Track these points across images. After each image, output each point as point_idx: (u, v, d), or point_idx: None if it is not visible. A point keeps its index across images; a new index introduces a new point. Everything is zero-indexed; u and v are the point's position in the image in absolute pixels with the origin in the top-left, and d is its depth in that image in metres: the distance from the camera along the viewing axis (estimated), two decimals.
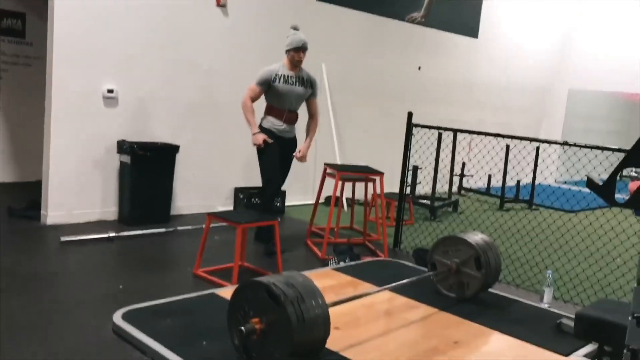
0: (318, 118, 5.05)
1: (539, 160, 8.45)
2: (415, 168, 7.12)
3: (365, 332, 3.21)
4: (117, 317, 3.12)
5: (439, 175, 7.43)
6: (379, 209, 5.39)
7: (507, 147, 8.13)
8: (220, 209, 6.10)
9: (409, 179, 6.04)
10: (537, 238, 5.42)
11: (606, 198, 1.77)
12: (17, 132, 6.69)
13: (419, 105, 7.13)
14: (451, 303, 3.77)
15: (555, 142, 4.95)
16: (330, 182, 5.22)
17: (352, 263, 4.62)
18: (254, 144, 4.75)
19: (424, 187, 7.57)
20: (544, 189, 7.14)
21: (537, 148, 8.41)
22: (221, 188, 6.34)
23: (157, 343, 2.82)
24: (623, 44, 10.26)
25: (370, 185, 5.32)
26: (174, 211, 5.80)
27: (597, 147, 4.23)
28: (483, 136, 5.08)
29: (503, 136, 4.90)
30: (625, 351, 1.71)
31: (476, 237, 3.88)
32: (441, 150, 7.23)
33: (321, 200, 5.53)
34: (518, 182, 8.36)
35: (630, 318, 1.71)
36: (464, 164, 8.62)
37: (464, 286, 3.84)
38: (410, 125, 5.37)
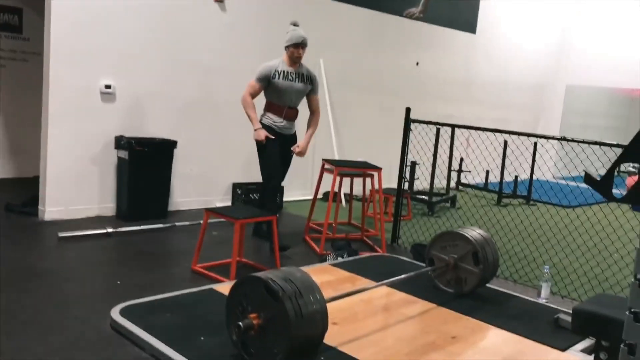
0: (319, 114, 5.03)
1: (537, 156, 8.46)
2: (413, 164, 7.13)
3: (363, 327, 3.22)
4: (115, 313, 3.12)
5: (437, 171, 7.44)
6: (377, 204, 5.39)
7: (505, 142, 8.13)
8: (218, 204, 6.10)
9: (407, 175, 6.04)
10: (534, 233, 5.43)
11: (604, 193, 1.77)
12: (14, 127, 6.67)
13: (417, 100, 7.13)
14: (449, 298, 3.78)
15: (553, 138, 4.95)
16: (328, 178, 5.22)
17: (350, 258, 4.63)
18: (256, 140, 4.73)
19: (422, 183, 7.58)
20: (542, 185, 7.15)
21: (535, 144, 8.41)
22: (219, 184, 6.34)
23: (155, 338, 2.83)
24: (620, 40, 10.27)
25: (368, 180, 5.32)
26: (172, 207, 5.80)
27: (595, 143, 4.24)
28: (481, 132, 5.07)
29: (501, 132, 4.90)
30: (622, 346, 1.72)
31: (474, 233, 3.89)
32: (439, 145, 7.23)
33: (319, 195, 5.53)
34: (516, 177, 8.36)
35: (627, 313, 1.71)
36: (461, 159, 8.63)
37: (461, 281, 3.86)
38: (408, 121, 5.37)
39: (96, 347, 2.86)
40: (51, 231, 4.77)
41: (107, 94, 5.35)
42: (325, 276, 4.04)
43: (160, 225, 5.22)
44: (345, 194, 6.72)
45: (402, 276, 3.65)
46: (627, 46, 10.07)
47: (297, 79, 4.76)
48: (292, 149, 4.85)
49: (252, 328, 2.54)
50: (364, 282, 3.93)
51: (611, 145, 4.08)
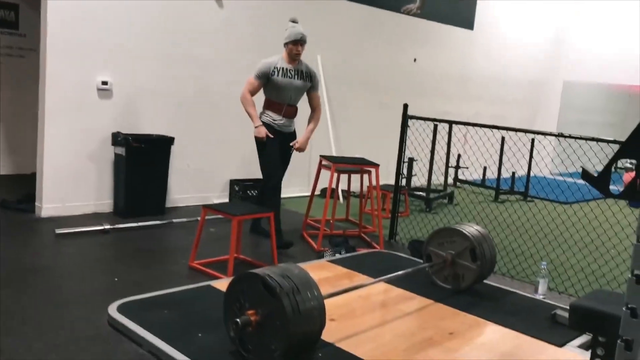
0: (320, 111, 5.01)
1: (534, 152, 8.46)
2: (411, 160, 7.13)
3: (360, 324, 3.22)
4: (113, 310, 3.11)
5: (435, 167, 7.44)
6: (375, 200, 5.39)
7: (503, 139, 8.14)
8: (216, 201, 6.09)
9: (405, 171, 6.04)
10: (532, 229, 5.44)
11: (601, 189, 1.77)
12: (11, 124, 6.66)
13: (414, 97, 7.12)
14: (446, 294, 3.78)
15: (550, 134, 4.95)
16: (325, 174, 5.22)
17: (348, 255, 4.63)
18: (256, 137, 4.71)
19: (419, 179, 7.58)
20: (539, 181, 7.16)
21: (532, 140, 8.41)
22: (216, 180, 6.33)
23: (153, 335, 2.82)
24: (618, 36, 10.27)
25: (365, 177, 5.32)
26: (169, 203, 5.79)
27: (592, 139, 4.24)
28: (478, 128, 5.08)
29: (498, 128, 4.90)
30: (619, 342, 1.72)
31: (471, 229, 3.89)
32: (437, 142, 7.23)
33: (317, 192, 5.53)
34: (513, 173, 8.37)
35: (624, 309, 1.72)
36: (459, 155, 8.63)
37: (459, 278, 3.85)
38: (405, 117, 5.37)
39: (94, 343, 2.86)
40: (48, 228, 4.77)
41: (104, 90, 5.34)
42: (323, 272, 4.03)
43: (158, 222, 5.22)
44: (342, 191, 6.72)
45: (400, 272, 3.65)
46: (624, 42, 10.08)
47: (296, 76, 4.74)
48: (291, 144, 4.85)
49: (249, 324, 2.54)
50: (362, 278, 3.92)
51: (608, 142, 4.09)
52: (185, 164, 5.94)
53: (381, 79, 8.00)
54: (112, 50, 5.34)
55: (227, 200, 6.32)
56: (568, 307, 2.76)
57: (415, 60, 8.48)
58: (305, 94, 4.88)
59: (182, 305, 3.28)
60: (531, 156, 8.52)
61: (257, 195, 5.43)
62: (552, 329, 3.34)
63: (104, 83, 5.32)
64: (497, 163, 8.34)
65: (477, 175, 8.81)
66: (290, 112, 4.82)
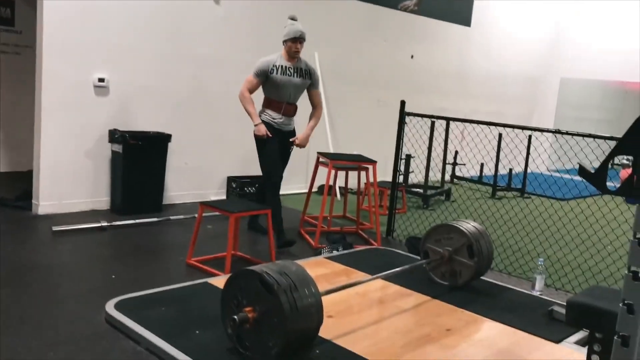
0: (321, 108, 4.99)
1: (531, 149, 8.47)
2: (408, 157, 7.13)
3: (358, 320, 3.23)
4: (110, 307, 3.12)
5: (432, 164, 7.44)
6: (372, 197, 5.40)
7: (500, 135, 8.14)
8: (213, 198, 6.09)
9: (402, 168, 6.04)
10: (529, 226, 5.45)
11: (598, 186, 1.77)
12: (7, 121, 6.63)
13: (412, 94, 7.12)
14: (444, 291, 3.79)
15: (547, 130, 4.96)
16: (323, 171, 5.22)
17: (345, 252, 4.63)
18: (256, 135, 4.67)
19: (416, 176, 7.58)
20: (536, 177, 7.17)
21: (529, 136, 8.42)
22: (214, 177, 6.32)
23: (150, 332, 2.83)
24: (614, 32, 10.28)
25: (363, 174, 5.32)
26: (167, 200, 5.79)
27: (589, 135, 4.25)
28: (475, 124, 5.08)
29: (495, 124, 4.90)
30: (615, 338, 1.72)
31: (468, 226, 3.90)
32: (434, 138, 7.23)
33: (314, 189, 5.53)
34: (510, 170, 8.38)
35: (620, 305, 1.72)
36: (456, 152, 8.64)
37: (456, 274, 3.87)
38: (403, 114, 5.37)
39: (91, 341, 2.86)
40: (45, 225, 4.76)
41: (101, 87, 5.32)
42: (321, 269, 4.04)
43: (155, 219, 5.21)
44: (340, 187, 6.72)
45: (397, 269, 3.66)
46: (620, 39, 10.08)
47: (295, 74, 4.69)
48: (291, 140, 4.83)
49: (247, 321, 2.54)
50: (359, 275, 3.93)
51: (605, 138, 4.09)
52: (182, 162, 5.93)
53: (378, 76, 7.99)
54: (109, 47, 5.33)
55: (224, 197, 6.31)
56: (565, 304, 2.76)
57: (412, 57, 8.47)
58: (305, 91, 4.86)
59: (180, 302, 3.28)
60: (528, 153, 8.53)
61: (255, 193, 5.43)
62: (549, 326, 3.36)
63: (101, 80, 5.30)
64: (494, 160, 8.35)
65: (474, 172, 8.82)
66: (290, 111, 4.78)
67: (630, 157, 1.68)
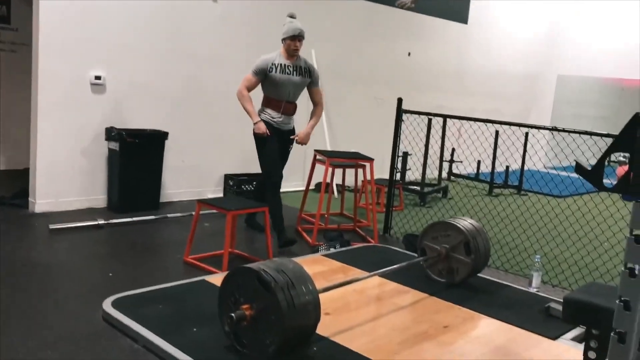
0: (322, 106, 4.96)
1: (528, 146, 8.49)
2: (405, 154, 7.13)
3: (355, 317, 3.23)
4: (107, 305, 3.11)
5: (429, 161, 7.45)
6: (369, 195, 5.40)
7: (497, 133, 8.15)
8: (210, 196, 6.09)
9: (399, 165, 6.04)
10: (525, 223, 5.46)
11: (595, 183, 1.78)
12: (3, 119, 6.61)
13: (409, 91, 7.12)
14: (441, 288, 3.80)
15: (544, 128, 4.96)
16: (320, 169, 5.22)
17: (343, 249, 4.64)
18: (256, 133, 4.63)
19: (413, 173, 7.59)
20: (533, 175, 7.18)
21: (526, 134, 8.44)
22: (211, 175, 6.32)
23: (148, 330, 2.83)
24: (611, 29, 10.29)
25: (360, 171, 5.32)
26: (164, 198, 5.78)
27: (586, 133, 4.25)
28: (472, 122, 5.08)
29: (492, 122, 4.91)
30: (612, 334, 1.73)
31: (465, 223, 3.90)
32: (431, 136, 7.24)
33: (311, 186, 5.53)
34: (507, 167, 8.39)
35: (617, 302, 1.73)
36: (453, 150, 8.65)
37: (453, 271, 3.87)
38: (400, 112, 5.37)
39: (89, 340, 2.86)
40: (42, 223, 4.75)
41: (98, 85, 5.31)
42: (318, 267, 4.04)
43: (152, 217, 5.21)
44: (337, 185, 6.72)
45: (395, 266, 3.66)
46: (617, 36, 10.10)
47: (294, 72, 4.65)
48: (291, 137, 4.80)
49: (244, 319, 2.54)
50: (357, 272, 3.93)
51: (601, 135, 4.10)
52: (179, 160, 5.92)
53: (376, 73, 7.99)
54: (106, 45, 5.31)
55: (221, 195, 6.31)
56: (561, 300, 2.77)
57: (409, 54, 8.47)
58: (305, 89, 4.83)
59: (177, 300, 3.28)
60: (525, 150, 8.54)
61: (254, 191, 5.41)
62: (545, 322, 3.36)
63: (98, 78, 5.29)
64: (491, 157, 8.36)
65: (471, 169, 8.83)
66: (289, 109, 4.73)
67: (627, 154, 1.69)
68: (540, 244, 5.00)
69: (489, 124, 4.95)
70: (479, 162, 8.57)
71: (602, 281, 4.30)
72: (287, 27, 4.61)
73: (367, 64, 7.85)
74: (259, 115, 4.69)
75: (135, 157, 5.33)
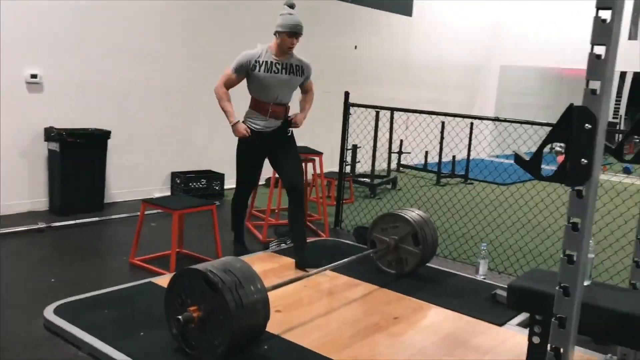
0: (313, 92, 4.46)
1: (473, 136, 8.67)
2: (355, 147, 7.16)
3: (307, 313, 3.23)
4: (49, 312, 3.00)
5: (378, 154, 7.51)
6: (320, 188, 5.40)
7: (443, 124, 8.29)
8: (157, 194, 5.95)
9: (349, 158, 6.06)
10: (472, 212, 5.57)
11: (533, 172, 1.82)
12: None
13: (356, 84, 7.14)
14: (391, 279, 3.84)
15: (487, 118, 5.08)
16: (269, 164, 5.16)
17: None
18: (236, 135, 4.03)
19: (362, 166, 7.63)
20: (477, 164, 7.33)
21: (471, 124, 8.61)
22: (157, 173, 6.18)
23: (92, 337, 2.74)
24: (551, 20, 10.58)
25: (310, 165, 5.31)
26: (108, 199, 5.62)
27: (527, 122, 4.37)
28: (419, 114, 5.14)
29: (437, 114, 4.98)
30: (553, 320, 1.77)
31: (413, 214, 3.95)
32: (379, 128, 7.29)
33: (261, 182, 5.48)
34: (453, 157, 8.55)
35: (557, 288, 1.77)
36: (401, 141, 8.75)
37: (402, 262, 3.92)
38: (347, 105, 5.39)
39: (30, 349, 2.75)
40: None
41: (34, 83, 5.11)
42: (268, 264, 4.02)
43: (96, 219, 5.06)
44: None
45: (345, 260, 3.68)
46: (557, 26, 10.39)
47: (283, 70, 4.03)
48: (289, 118, 4.28)
49: (192, 321, 2.50)
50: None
51: (542, 124, 4.22)
52: (123, 159, 5.77)
53: (323, 67, 7.95)
54: (40, 42, 5.10)
55: (169, 193, 6.18)
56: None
57: (356, 47, 8.50)
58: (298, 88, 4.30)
59: (123, 303, 3.20)
60: (470, 140, 8.73)
61: (232, 203, 4.77)
62: (492, 309, 3.44)
63: (33, 76, 5.08)
64: (438, 147, 8.49)
65: (418, 160, 8.96)
66: (278, 113, 4.11)
67: (563, 144, 1.73)
68: (486, 231, 5.12)
69: (435, 116, 5.02)
70: (426, 153, 8.69)
71: (545, 267, 4.43)
72: (286, 20, 4.00)
73: (314, 58, 7.75)
74: (244, 120, 4.08)
75: (77, 157, 5.16)
